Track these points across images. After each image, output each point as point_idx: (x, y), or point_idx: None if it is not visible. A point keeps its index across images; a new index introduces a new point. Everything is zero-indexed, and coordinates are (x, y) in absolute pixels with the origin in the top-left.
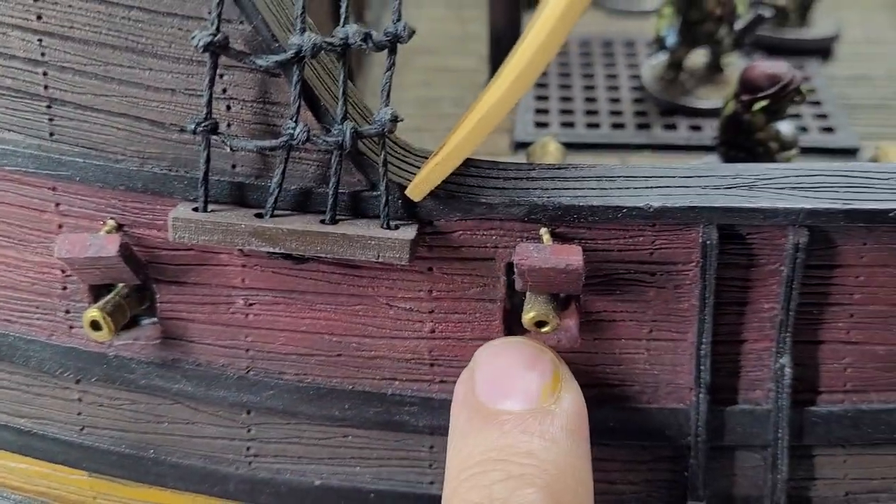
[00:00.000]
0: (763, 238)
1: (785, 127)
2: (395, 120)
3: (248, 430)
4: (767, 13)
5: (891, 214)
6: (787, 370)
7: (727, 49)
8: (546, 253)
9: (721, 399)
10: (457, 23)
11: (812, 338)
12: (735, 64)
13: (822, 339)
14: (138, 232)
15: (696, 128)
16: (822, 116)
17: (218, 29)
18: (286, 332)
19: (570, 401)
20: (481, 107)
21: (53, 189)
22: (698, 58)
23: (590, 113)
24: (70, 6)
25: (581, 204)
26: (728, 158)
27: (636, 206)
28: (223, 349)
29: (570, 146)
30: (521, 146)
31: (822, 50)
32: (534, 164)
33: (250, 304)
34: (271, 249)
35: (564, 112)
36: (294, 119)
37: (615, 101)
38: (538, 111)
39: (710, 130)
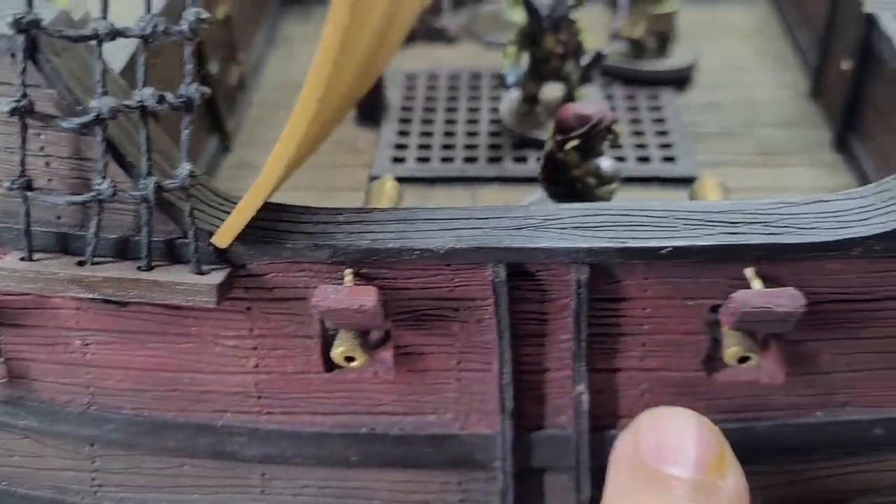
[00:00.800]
0: (550, 275)
1: (605, 163)
2: (192, 175)
3: (93, 462)
4: (606, 50)
5: (662, 251)
6: (584, 397)
7: (576, 84)
8: (342, 294)
9: (528, 425)
10: None
11: (608, 366)
12: (589, 96)
13: (617, 367)
14: None
15: None
16: (667, 146)
17: (23, 95)
18: (122, 369)
19: (735, 480)
20: (271, 158)
21: None
22: (554, 91)
23: (446, 147)
24: None
25: (379, 247)
26: (551, 194)
27: (428, 248)
28: (64, 386)
29: (421, 181)
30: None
31: (678, 80)
32: (342, 210)
33: (86, 344)
34: (90, 296)
35: (422, 147)
36: (102, 175)
37: (473, 134)
38: (398, 146)
39: None
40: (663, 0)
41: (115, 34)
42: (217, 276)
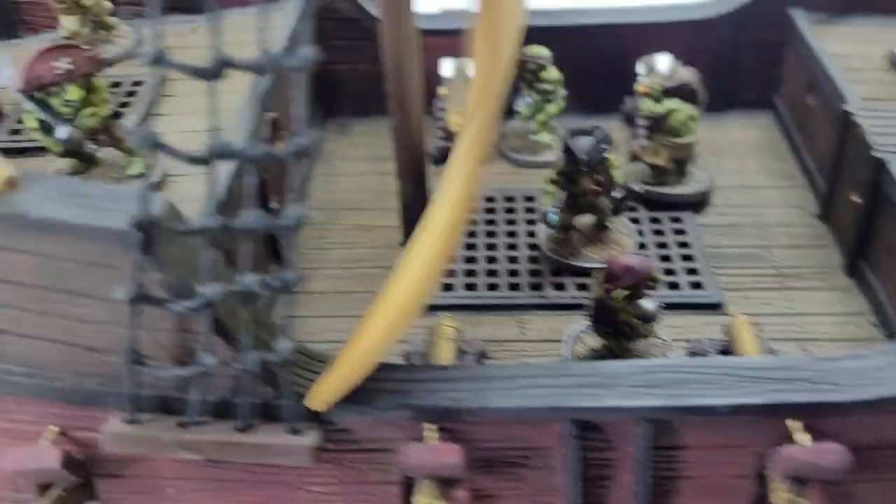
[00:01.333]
0: (615, 427)
1: (647, 303)
2: (295, 352)
3: None
4: (637, 187)
5: (718, 410)
6: None
7: (608, 214)
8: (428, 452)
9: None
10: (376, 178)
11: None
12: (618, 223)
13: None
14: (78, 434)
15: (582, 286)
16: (693, 271)
17: (140, 284)
18: None
19: None
20: (377, 324)
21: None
22: (586, 218)
23: (490, 273)
24: (7, 258)
25: (461, 407)
26: (600, 332)
27: (505, 408)
28: None
29: (470, 308)
30: (432, 309)
31: (696, 203)
32: (419, 367)
33: (180, 492)
34: (194, 457)
35: (468, 273)
36: (207, 350)
37: (513, 259)
38: (446, 272)
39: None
40: (685, 132)
41: (224, 229)
42: (311, 438)
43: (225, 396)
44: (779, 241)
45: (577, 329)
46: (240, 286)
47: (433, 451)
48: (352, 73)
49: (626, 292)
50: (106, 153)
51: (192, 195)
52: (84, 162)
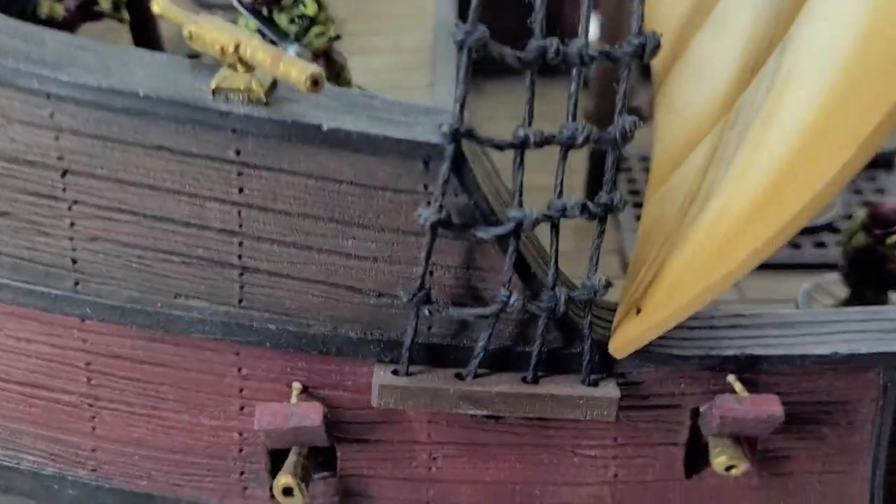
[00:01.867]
0: None
1: None
2: (607, 286)
3: None
4: None
5: None
6: None
7: None
8: (747, 405)
9: None
10: None
11: None
12: None
13: None
14: (323, 393)
15: (820, 244)
16: None
17: (442, 207)
18: (469, 483)
19: None
20: (713, 265)
21: (237, 354)
22: None
23: None
24: (277, 180)
25: (772, 354)
26: (856, 285)
27: (824, 355)
28: (405, 503)
29: None
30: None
31: (887, 160)
32: (713, 313)
33: (433, 458)
34: (481, 412)
35: None
36: (507, 287)
37: None
38: None
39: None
40: None
41: (543, 142)
42: (613, 389)
43: (508, 345)
44: None
45: (807, 287)
46: (555, 209)
47: (751, 403)
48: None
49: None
50: None
51: None
52: None
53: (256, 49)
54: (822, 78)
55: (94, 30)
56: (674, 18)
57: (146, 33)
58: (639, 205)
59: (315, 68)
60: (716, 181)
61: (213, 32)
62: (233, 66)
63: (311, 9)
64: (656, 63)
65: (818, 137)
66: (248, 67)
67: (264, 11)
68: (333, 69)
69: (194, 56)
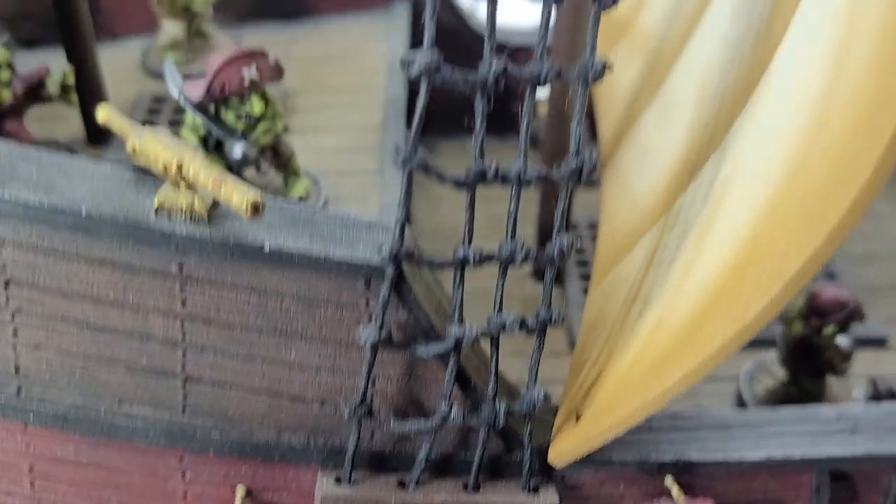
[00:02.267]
0: (863, 476)
1: (843, 341)
2: (546, 399)
3: None
4: None
5: None
6: None
7: None
8: None
9: None
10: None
11: None
12: None
13: None
14: (267, 497)
15: None
16: None
17: (382, 326)
18: None
19: None
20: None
21: (181, 459)
22: None
23: None
24: (219, 294)
25: (708, 459)
26: (796, 370)
27: (758, 461)
28: None
29: None
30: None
31: None
32: (653, 416)
33: None
34: None
35: None
36: (448, 400)
37: None
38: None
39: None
40: None
41: (482, 260)
42: (552, 495)
43: (450, 453)
44: None
45: (750, 367)
46: (494, 326)
47: None
48: (442, 89)
49: (835, 328)
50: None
51: None
52: (233, 171)
53: (199, 170)
54: (754, 202)
55: None
56: (624, 88)
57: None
58: (586, 277)
59: (255, 195)
60: (655, 285)
61: (156, 149)
62: (175, 184)
63: (257, 108)
64: (605, 131)
65: (746, 268)
66: (191, 185)
67: (211, 108)
68: (281, 160)
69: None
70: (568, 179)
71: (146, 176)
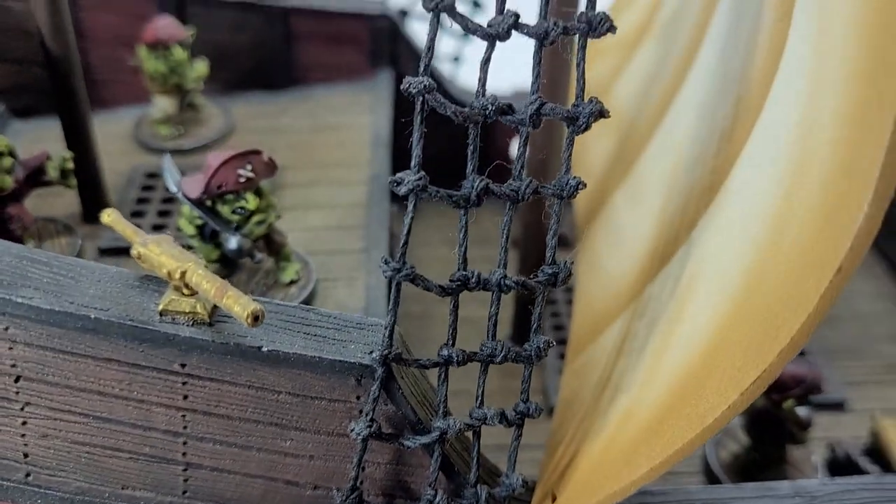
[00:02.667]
0: None
1: (802, 411)
2: (525, 484)
3: None
4: None
5: None
6: None
7: None
8: None
9: None
10: None
11: None
12: None
13: None
14: None
15: None
16: None
17: (373, 421)
18: None
19: None
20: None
21: None
22: None
23: None
24: (219, 389)
25: None
26: (759, 440)
27: None
28: None
29: None
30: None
31: None
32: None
33: None
34: None
35: None
36: (433, 486)
37: None
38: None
39: None
40: None
41: (465, 360)
42: None
43: None
44: (877, 333)
45: (716, 433)
46: (476, 419)
47: None
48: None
49: (794, 402)
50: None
51: (349, 304)
52: (229, 266)
53: (202, 279)
54: (716, 309)
55: None
56: (598, 159)
57: (94, 196)
58: (563, 341)
59: (255, 306)
60: (625, 372)
61: (160, 257)
62: (178, 290)
63: (252, 203)
64: (579, 205)
65: (708, 372)
66: (194, 291)
67: (207, 202)
68: (274, 248)
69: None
70: (544, 286)
71: (151, 278)
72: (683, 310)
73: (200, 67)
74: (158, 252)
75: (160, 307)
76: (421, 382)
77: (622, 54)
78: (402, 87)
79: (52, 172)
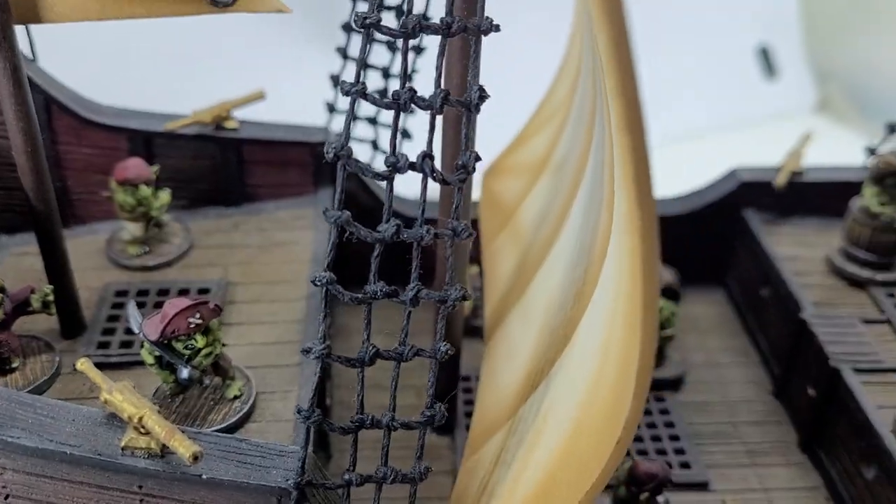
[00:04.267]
0: None
1: (660, 499)
2: None
3: None
4: None
5: None
6: None
7: None
8: None
9: None
10: None
11: None
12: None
13: None
14: None
15: None
16: (680, 451)
17: None
18: None
19: None
20: None
21: None
22: None
23: None
24: None
25: None
26: None
27: None
28: None
29: None
30: None
31: (674, 383)
32: None
33: None
34: None
35: None
36: None
37: None
38: None
39: None
40: (668, 325)
41: (363, 481)
42: None
43: None
44: (745, 419)
45: None
46: None
47: None
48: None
49: (648, 495)
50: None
51: (283, 415)
52: (183, 386)
53: (155, 423)
54: (552, 448)
55: None
56: (504, 275)
57: (71, 315)
58: None
59: (196, 448)
60: (498, 482)
61: (122, 403)
62: (137, 430)
63: (200, 343)
64: (487, 311)
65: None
66: (149, 433)
67: (164, 341)
68: (220, 370)
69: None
70: (423, 427)
71: (114, 418)
72: (537, 439)
73: (164, 197)
74: (121, 399)
75: (122, 443)
76: (331, 496)
77: (530, 177)
78: (325, 153)
79: (36, 304)
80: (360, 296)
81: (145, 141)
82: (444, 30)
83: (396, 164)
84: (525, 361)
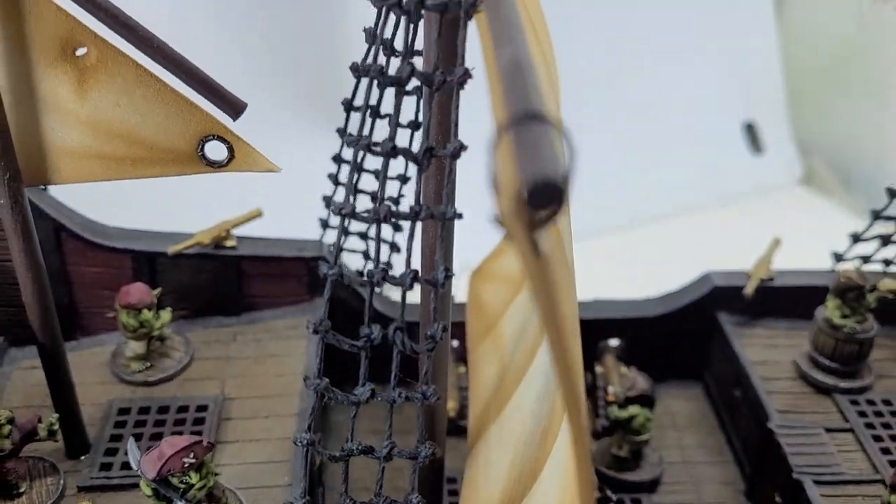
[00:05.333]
0: None
1: None
2: None
3: None
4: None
5: None
6: None
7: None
8: None
9: None
10: None
11: None
12: None
13: None
14: None
15: None
16: None
17: None
18: None
19: None
20: None
21: None
22: None
23: None
24: None
25: None
26: None
27: None
28: None
29: None
30: None
31: (651, 485)
32: None
33: None
34: None
35: None
36: None
37: None
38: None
39: None
40: (643, 431)
41: None
42: None
43: None
44: None
45: None
46: None
47: None
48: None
49: None
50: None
51: None
52: None
53: None
54: None
55: None
56: (485, 388)
57: (75, 435)
58: None
59: None
60: None
61: None
62: None
63: (194, 479)
64: (470, 420)
65: None
66: None
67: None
68: (213, 499)
69: None
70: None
71: None
72: None
73: (165, 316)
74: None
75: None
76: None
77: (510, 290)
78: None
79: (42, 433)
80: (337, 454)
81: (149, 261)
82: (413, 217)
83: (373, 279)
84: (499, 482)
